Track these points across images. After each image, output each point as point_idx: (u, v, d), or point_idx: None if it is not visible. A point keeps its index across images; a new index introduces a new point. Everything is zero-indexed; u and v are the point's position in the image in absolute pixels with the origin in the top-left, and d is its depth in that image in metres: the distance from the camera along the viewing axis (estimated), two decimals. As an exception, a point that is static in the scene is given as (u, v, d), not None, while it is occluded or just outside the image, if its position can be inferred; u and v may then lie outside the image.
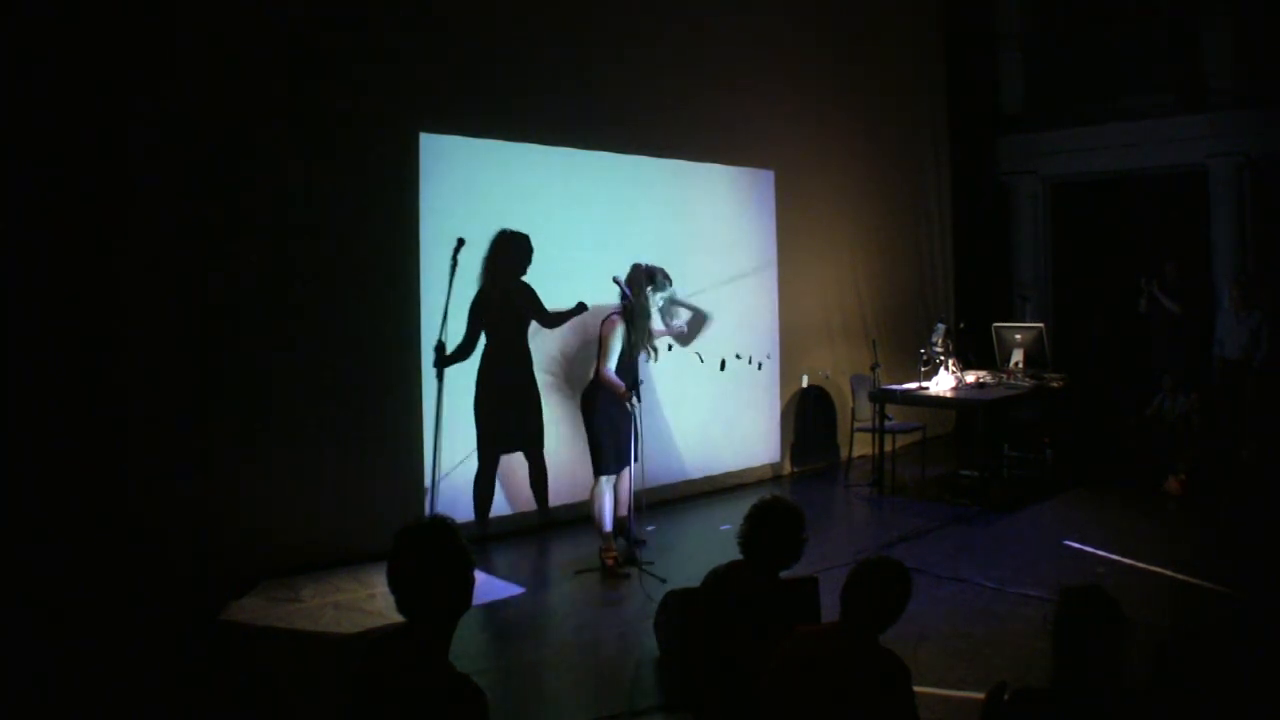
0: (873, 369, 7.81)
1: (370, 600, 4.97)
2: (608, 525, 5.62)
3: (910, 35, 9.93)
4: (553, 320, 6.56)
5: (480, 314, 6.17)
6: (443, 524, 2.14)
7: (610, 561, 5.55)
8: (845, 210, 8.95)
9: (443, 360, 5.72)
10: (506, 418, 6.31)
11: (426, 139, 6.03)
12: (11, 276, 4.62)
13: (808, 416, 8.50)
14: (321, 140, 5.57)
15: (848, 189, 8.97)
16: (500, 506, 6.36)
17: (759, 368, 8.02)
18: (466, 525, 5.54)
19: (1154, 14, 10.02)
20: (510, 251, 6.32)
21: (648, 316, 5.66)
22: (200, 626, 4.65)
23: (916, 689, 2.63)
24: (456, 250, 5.47)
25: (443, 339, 5.62)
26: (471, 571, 2.13)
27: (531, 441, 6.43)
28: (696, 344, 7.23)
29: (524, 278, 6.44)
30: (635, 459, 5.60)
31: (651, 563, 5.60)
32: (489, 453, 6.26)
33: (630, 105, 7.09)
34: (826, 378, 8.57)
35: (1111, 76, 10.24)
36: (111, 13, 4.85)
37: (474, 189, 6.26)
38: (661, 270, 5.76)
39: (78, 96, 4.77)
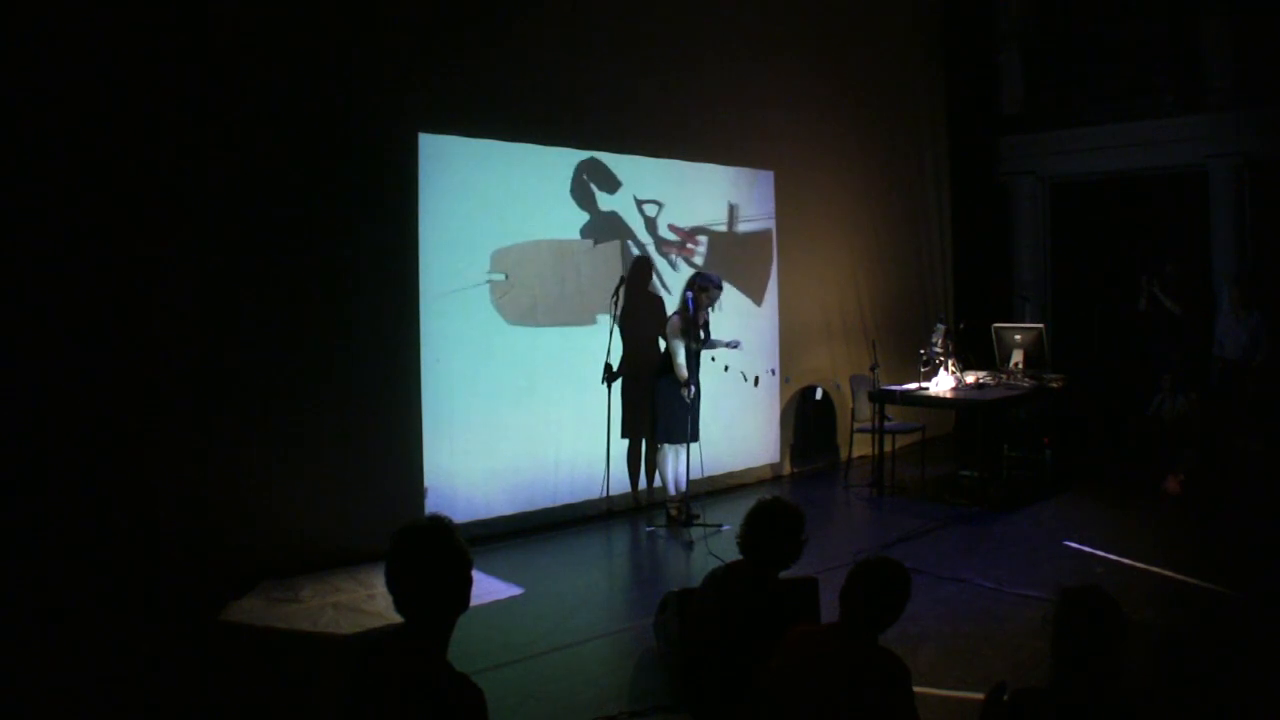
0: (872, 369, 7.81)
1: (370, 600, 4.97)
2: (671, 487, 6.64)
3: (910, 36, 9.93)
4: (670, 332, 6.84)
5: (626, 320, 6.84)
6: (441, 524, 2.14)
7: (675, 513, 6.61)
8: (845, 210, 8.95)
9: (610, 378, 6.75)
10: (640, 409, 6.94)
11: (426, 139, 6.03)
12: (15, 277, 4.62)
13: (808, 417, 8.50)
14: (321, 140, 5.57)
15: (847, 189, 8.97)
16: (500, 506, 6.37)
17: (786, 381, 8.28)
18: (466, 525, 5.54)
19: (1154, 14, 10.01)
20: (640, 270, 7.10)
21: (695, 313, 6.46)
22: (200, 626, 4.65)
23: (916, 689, 2.63)
24: (618, 288, 6.61)
25: (609, 360, 6.67)
26: (469, 571, 2.13)
27: (650, 431, 6.94)
28: (736, 363, 7.68)
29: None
30: (695, 438, 6.61)
31: (723, 526, 6.38)
32: (632, 437, 7.07)
33: (630, 105, 7.09)
34: (838, 388, 8.59)
35: (1111, 76, 10.22)
36: (109, 14, 4.85)
37: (474, 189, 6.26)
38: (711, 279, 6.55)
39: (78, 99, 4.77)
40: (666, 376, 6.52)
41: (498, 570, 5.53)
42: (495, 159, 6.37)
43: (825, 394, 8.59)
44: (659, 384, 6.57)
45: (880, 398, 7.63)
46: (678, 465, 6.63)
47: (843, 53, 8.89)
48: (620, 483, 7.03)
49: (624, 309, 6.77)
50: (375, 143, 5.80)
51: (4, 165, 4.59)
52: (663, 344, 6.68)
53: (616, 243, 7.06)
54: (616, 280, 6.70)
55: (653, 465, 7.05)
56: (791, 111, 8.29)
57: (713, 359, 7.15)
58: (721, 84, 7.70)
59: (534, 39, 6.54)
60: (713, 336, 6.68)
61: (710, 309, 6.56)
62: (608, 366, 6.70)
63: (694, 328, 6.45)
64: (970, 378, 7.76)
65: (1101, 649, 2.23)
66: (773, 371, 8.14)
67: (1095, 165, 10.43)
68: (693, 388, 6.45)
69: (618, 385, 6.86)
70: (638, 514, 6.96)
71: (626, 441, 7.04)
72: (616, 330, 6.73)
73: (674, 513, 6.64)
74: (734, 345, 6.75)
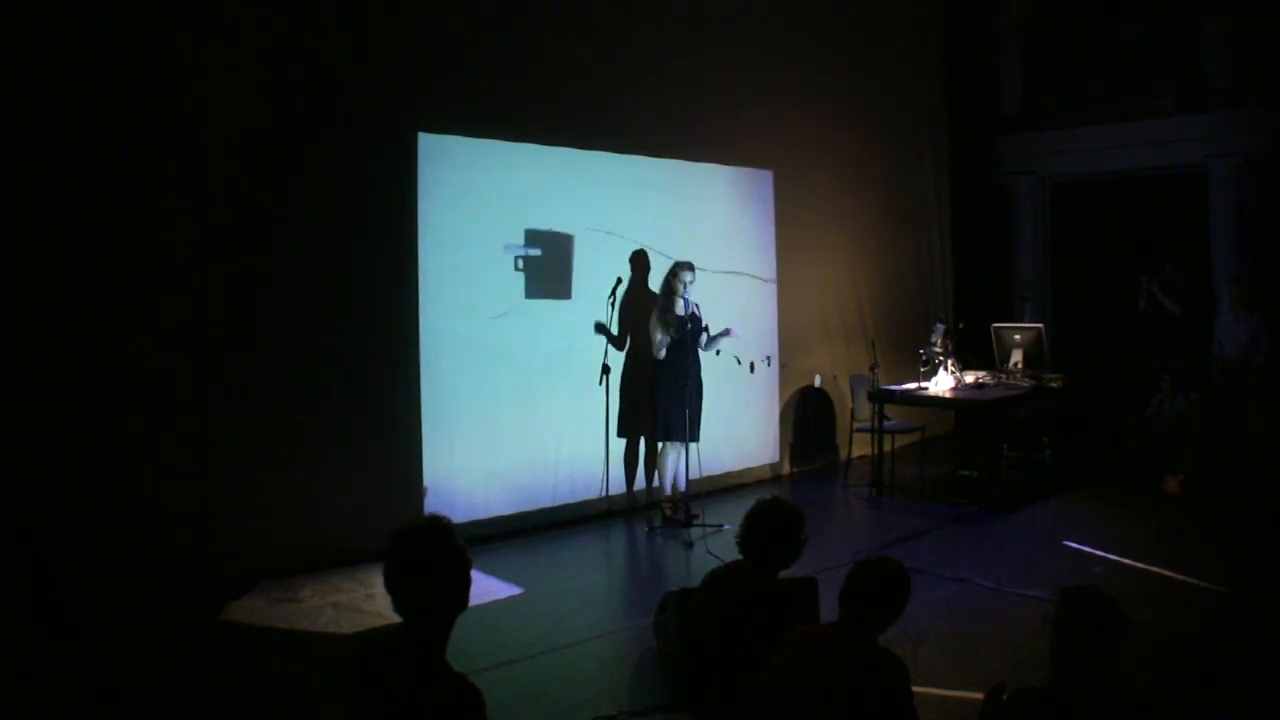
0: (872, 369, 7.81)
1: (369, 600, 4.97)
2: (669, 486, 6.65)
3: (910, 35, 9.92)
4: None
5: (625, 315, 6.88)
6: (439, 524, 2.13)
7: (670, 512, 6.63)
8: (844, 210, 8.95)
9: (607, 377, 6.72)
10: (639, 407, 6.90)
11: (426, 139, 6.02)
12: (15, 278, 4.61)
13: (807, 417, 8.49)
14: (321, 140, 5.56)
15: (846, 189, 8.96)
16: (500, 506, 6.37)
17: (785, 366, 8.23)
18: (466, 525, 5.54)
19: (1153, 14, 10.02)
20: (637, 266, 7.03)
21: (664, 296, 6.51)
22: (200, 626, 4.65)
23: (916, 689, 2.63)
24: (615, 289, 6.64)
25: (607, 362, 6.66)
26: (468, 571, 2.12)
27: (648, 428, 6.95)
28: (729, 349, 7.51)
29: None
30: (695, 438, 6.57)
31: (724, 526, 6.35)
32: (630, 436, 7.01)
33: (630, 105, 7.09)
34: (835, 377, 8.58)
35: (1111, 76, 10.23)
36: (108, 13, 4.85)
37: (474, 189, 6.26)
38: (682, 263, 6.54)
39: (75, 99, 4.76)
40: (665, 374, 6.51)
41: (497, 570, 5.52)
42: (495, 159, 6.37)
43: (824, 393, 8.59)
44: (659, 382, 6.57)
45: (880, 397, 7.63)
46: (677, 464, 6.62)
47: (842, 53, 8.89)
48: (620, 482, 7.02)
49: (622, 306, 6.76)
50: (375, 143, 5.80)
51: (3, 166, 4.59)
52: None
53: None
54: (615, 281, 6.68)
55: (653, 464, 7.03)
56: (791, 111, 8.28)
57: (717, 353, 7.07)
58: (721, 84, 7.69)
59: (534, 39, 6.54)
60: (710, 334, 6.65)
61: (687, 294, 6.44)
62: (605, 368, 6.69)
63: (669, 312, 6.42)
64: (970, 377, 7.76)
65: (1101, 649, 2.23)
66: (768, 360, 8.06)
67: (1095, 165, 10.43)
68: (664, 351, 6.43)
69: (617, 384, 6.85)
70: (635, 514, 6.94)
71: (624, 441, 7.03)
72: (615, 328, 6.73)
73: (669, 512, 6.63)
74: (726, 333, 6.71)
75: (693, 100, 7.47)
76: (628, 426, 6.97)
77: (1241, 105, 9.25)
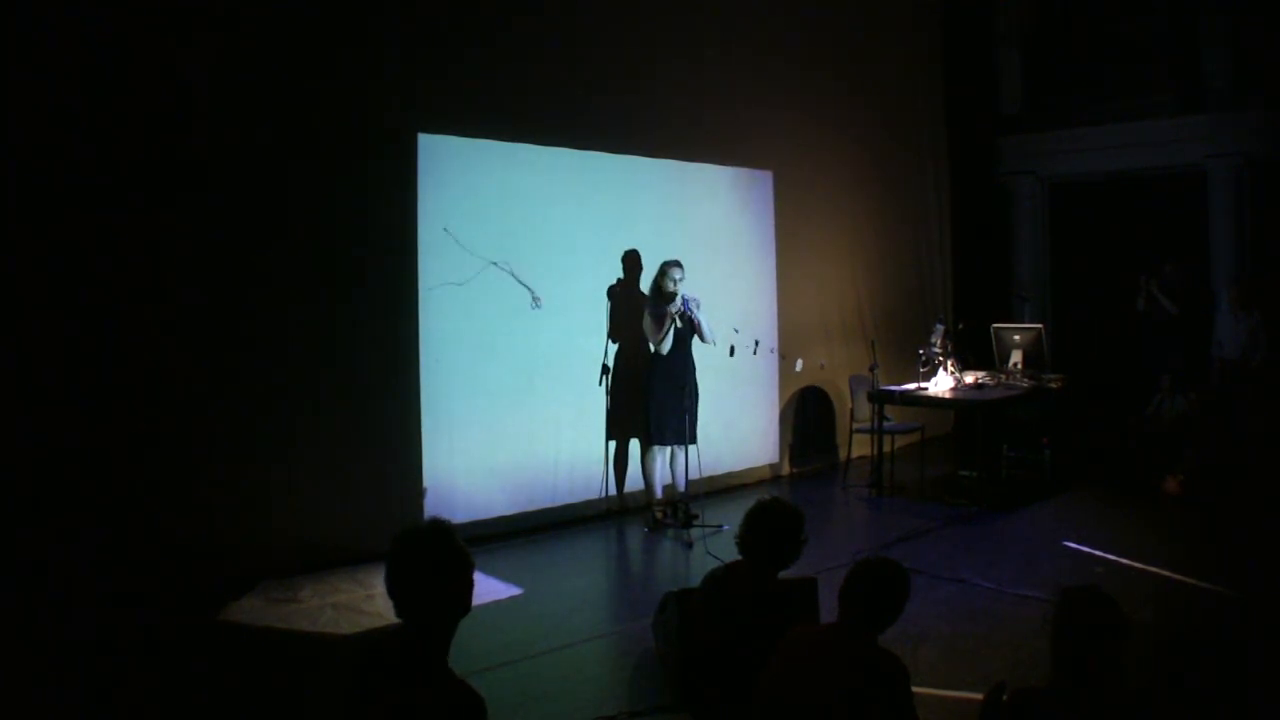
0: (871, 370, 7.80)
1: (369, 601, 4.97)
2: (659, 491, 6.64)
3: (909, 35, 9.93)
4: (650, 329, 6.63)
5: (616, 317, 6.87)
6: (441, 526, 2.12)
7: (660, 515, 6.58)
8: (844, 211, 8.94)
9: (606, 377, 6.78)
10: (632, 409, 6.78)
11: (425, 139, 6.02)
12: (15, 277, 4.61)
13: (807, 417, 8.49)
14: (321, 141, 5.56)
15: (846, 190, 8.96)
16: (500, 506, 6.37)
17: (771, 352, 8.08)
18: (465, 525, 5.55)
19: (1153, 14, 10.02)
20: (630, 266, 6.96)
21: (653, 297, 6.52)
22: (200, 626, 4.65)
23: (916, 689, 2.63)
24: (612, 288, 6.78)
25: (606, 362, 6.72)
26: (471, 574, 2.11)
27: (638, 430, 6.84)
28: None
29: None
30: (693, 440, 6.52)
31: (723, 526, 6.32)
32: (619, 439, 6.93)
33: (629, 106, 7.09)
34: (823, 367, 8.56)
35: (1111, 76, 10.23)
36: (110, 11, 4.85)
37: (473, 190, 6.26)
38: (669, 261, 6.50)
39: (75, 97, 4.77)
40: (660, 376, 6.48)
41: (497, 570, 5.52)
42: (495, 159, 6.37)
43: (824, 393, 8.59)
44: (652, 384, 6.53)
45: (879, 398, 7.62)
46: (665, 468, 6.58)
47: (842, 53, 8.89)
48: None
49: (614, 307, 6.76)
50: (375, 143, 5.80)
51: (3, 166, 4.59)
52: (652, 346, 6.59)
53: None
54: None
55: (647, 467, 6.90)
56: (791, 111, 8.28)
57: (714, 343, 6.86)
58: (721, 84, 7.69)
59: (534, 39, 6.54)
60: (697, 319, 6.47)
61: (677, 289, 6.37)
62: (605, 368, 6.69)
63: (660, 309, 6.39)
64: (969, 378, 7.76)
65: (1101, 649, 2.23)
66: (754, 345, 7.85)
67: (1095, 165, 10.43)
68: (669, 343, 6.37)
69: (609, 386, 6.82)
70: (626, 516, 6.89)
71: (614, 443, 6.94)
72: (607, 329, 6.73)
73: (660, 516, 6.59)
74: (693, 304, 6.44)
75: (692, 101, 7.47)
76: (616, 429, 6.90)
77: (1241, 105, 9.26)
